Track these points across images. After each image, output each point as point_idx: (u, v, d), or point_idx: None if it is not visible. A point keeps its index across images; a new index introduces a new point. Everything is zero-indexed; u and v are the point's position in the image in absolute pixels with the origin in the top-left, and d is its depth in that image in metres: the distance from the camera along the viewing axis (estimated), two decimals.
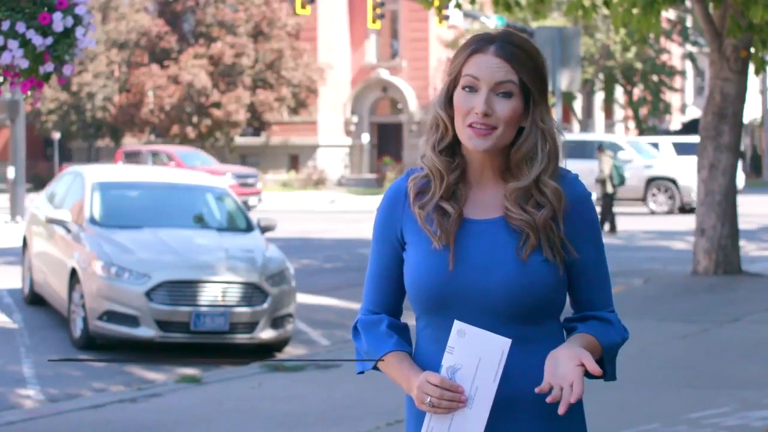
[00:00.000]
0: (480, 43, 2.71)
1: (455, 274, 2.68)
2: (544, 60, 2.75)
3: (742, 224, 16.35)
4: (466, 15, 30.98)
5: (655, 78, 48.29)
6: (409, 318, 2.81)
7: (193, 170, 30.61)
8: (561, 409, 2.53)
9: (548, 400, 2.54)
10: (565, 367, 2.56)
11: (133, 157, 34.29)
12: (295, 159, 47.93)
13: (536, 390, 2.57)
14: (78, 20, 6.50)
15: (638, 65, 46.85)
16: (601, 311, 2.78)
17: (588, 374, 2.66)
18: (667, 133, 52.93)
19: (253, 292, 10.38)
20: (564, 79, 18.25)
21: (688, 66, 57.57)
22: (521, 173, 2.71)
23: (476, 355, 2.60)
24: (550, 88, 18.74)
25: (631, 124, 52.92)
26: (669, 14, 46.46)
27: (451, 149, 2.75)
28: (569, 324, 2.79)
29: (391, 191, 2.82)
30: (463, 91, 2.69)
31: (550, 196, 2.69)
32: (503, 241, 2.69)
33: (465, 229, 2.71)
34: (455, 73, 2.72)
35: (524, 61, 2.69)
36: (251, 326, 10.33)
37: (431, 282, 2.69)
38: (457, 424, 2.61)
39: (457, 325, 2.62)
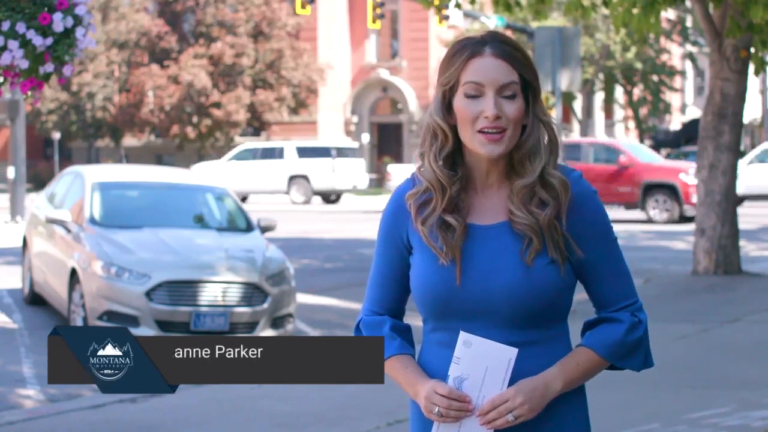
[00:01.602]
0: (474, 46, 2.69)
1: (461, 285, 2.67)
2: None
3: (742, 224, 16.36)
4: (466, 15, 30.97)
5: (655, 78, 48.29)
6: (412, 319, 2.82)
7: (647, 166, 25.93)
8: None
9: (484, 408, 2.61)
10: (526, 394, 2.61)
11: (576, 149, 27.40)
12: None
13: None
14: (78, 20, 6.50)
15: (638, 65, 46.84)
16: (615, 309, 2.76)
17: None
18: (666, 133, 52.97)
19: (253, 292, 10.38)
20: (564, 79, 18.24)
21: (688, 66, 57.58)
22: (525, 170, 2.69)
23: (483, 365, 2.61)
24: (549, 87, 18.61)
25: (631, 124, 52.92)
26: (669, 14, 46.45)
27: (452, 159, 2.72)
28: (584, 332, 2.79)
29: (397, 194, 2.80)
30: (467, 98, 2.67)
31: (558, 187, 2.68)
32: (507, 246, 2.68)
33: (469, 235, 2.70)
34: (453, 81, 2.70)
35: (520, 59, 2.69)
36: (251, 326, 10.33)
37: (439, 294, 2.69)
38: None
39: (463, 336, 2.63)
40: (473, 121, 2.65)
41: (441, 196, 2.70)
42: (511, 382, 2.62)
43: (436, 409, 2.61)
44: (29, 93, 6.53)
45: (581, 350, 2.72)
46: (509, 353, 2.59)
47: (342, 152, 36.60)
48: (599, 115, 54.48)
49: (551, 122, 2.72)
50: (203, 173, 33.68)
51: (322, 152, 36.40)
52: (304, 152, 36.32)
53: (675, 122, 58.67)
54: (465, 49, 2.69)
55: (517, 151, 2.69)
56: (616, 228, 18.02)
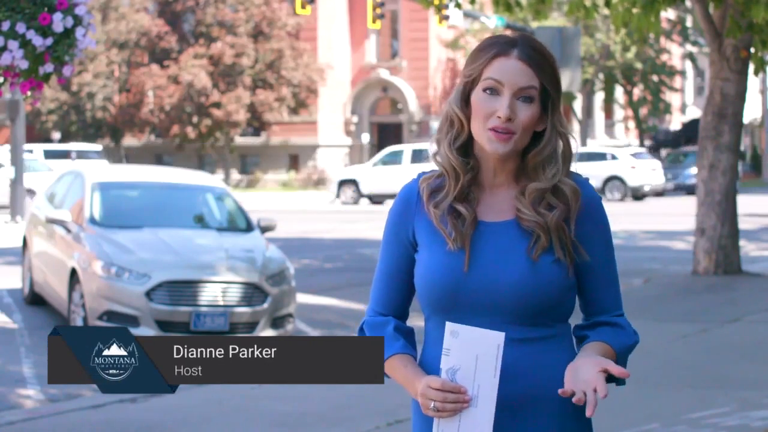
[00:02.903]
0: (502, 46, 2.72)
1: (468, 275, 2.69)
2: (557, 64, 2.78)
3: (742, 224, 16.36)
4: (466, 15, 30.96)
5: (655, 78, 48.30)
6: (415, 321, 2.82)
7: None
8: (588, 412, 2.53)
9: (574, 400, 2.55)
10: (586, 373, 2.57)
11: None
12: (295, 159, 47.93)
13: (559, 392, 2.57)
14: (78, 20, 6.51)
15: (638, 65, 46.85)
16: (612, 315, 2.80)
17: (611, 379, 2.68)
18: (666, 133, 53.00)
19: (253, 292, 10.38)
20: (564, 79, 18.27)
21: (688, 66, 57.59)
22: (539, 176, 2.73)
23: (473, 353, 2.61)
24: None
25: (631, 124, 52.94)
26: (669, 14, 46.45)
27: (465, 149, 2.76)
28: (581, 332, 2.81)
29: (403, 192, 2.83)
30: (484, 93, 2.70)
31: (569, 195, 2.72)
32: (515, 242, 2.71)
33: (478, 231, 2.73)
34: (475, 75, 2.73)
35: (545, 66, 2.72)
36: (251, 326, 10.33)
37: (445, 282, 2.70)
38: (466, 425, 2.62)
39: (449, 326, 2.63)
40: (486, 117, 2.69)
41: (454, 183, 2.74)
42: (513, 374, 2.64)
43: (432, 404, 2.61)
44: (29, 93, 6.53)
45: (603, 345, 2.72)
46: (497, 338, 2.60)
47: (83, 154, 37.98)
48: (599, 115, 54.50)
49: (568, 134, 2.77)
50: None
51: (64, 154, 37.87)
52: (48, 154, 37.82)
53: (675, 122, 58.69)
54: (493, 47, 2.73)
55: (534, 158, 2.73)
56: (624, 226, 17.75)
